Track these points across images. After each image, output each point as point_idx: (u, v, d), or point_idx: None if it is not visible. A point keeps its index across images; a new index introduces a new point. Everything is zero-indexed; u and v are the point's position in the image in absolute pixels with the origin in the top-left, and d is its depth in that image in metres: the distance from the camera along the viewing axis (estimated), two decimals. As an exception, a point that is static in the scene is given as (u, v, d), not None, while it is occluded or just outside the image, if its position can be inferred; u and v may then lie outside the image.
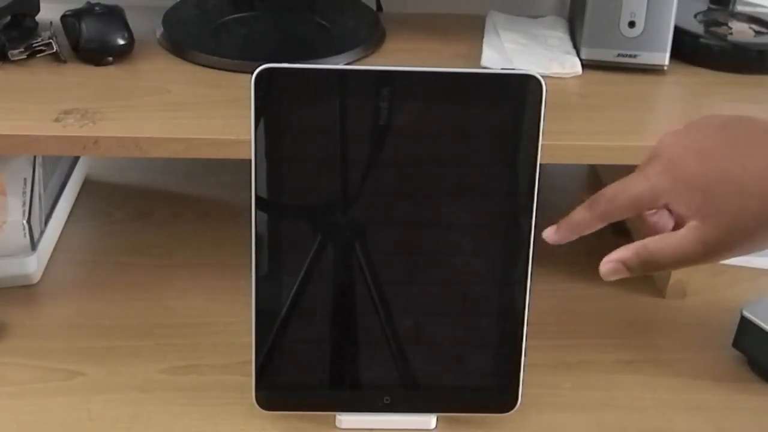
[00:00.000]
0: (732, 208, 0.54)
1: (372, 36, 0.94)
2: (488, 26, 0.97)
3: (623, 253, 0.60)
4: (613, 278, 0.61)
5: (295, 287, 0.70)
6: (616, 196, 0.60)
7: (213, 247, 0.94)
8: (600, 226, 0.62)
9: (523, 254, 0.69)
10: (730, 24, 0.97)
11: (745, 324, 0.79)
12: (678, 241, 0.57)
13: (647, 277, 0.91)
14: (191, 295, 0.87)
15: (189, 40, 0.91)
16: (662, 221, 0.61)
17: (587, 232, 0.62)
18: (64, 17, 0.89)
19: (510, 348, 0.71)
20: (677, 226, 0.58)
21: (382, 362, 0.72)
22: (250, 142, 0.67)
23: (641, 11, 0.87)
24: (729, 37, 0.94)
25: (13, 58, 0.86)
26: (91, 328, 0.82)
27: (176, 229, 0.98)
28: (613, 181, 1.11)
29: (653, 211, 0.61)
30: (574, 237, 0.63)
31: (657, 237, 0.59)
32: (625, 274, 0.60)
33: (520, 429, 0.73)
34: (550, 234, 0.64)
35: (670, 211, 0.59)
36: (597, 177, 1.09)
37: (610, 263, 0.60)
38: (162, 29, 0.93)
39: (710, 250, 0.56)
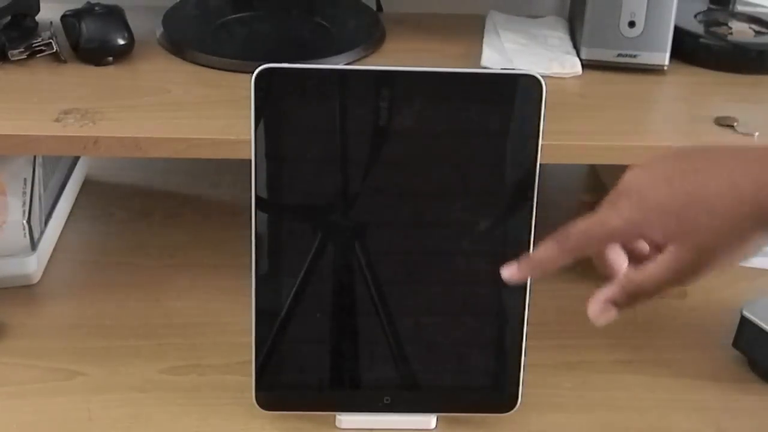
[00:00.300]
0: (704, 227, 0.56)
1: (372, 36, 0.94)
2: (488, 26, 0.97)
3: (608, 291, 0.60)
4: (602, 321, 0.61)
5: (295, 287, 0.70)
6: (589, 230, 0.61)
7: (213, 247, 0.94)
8: (568, 261, 0.62)
9: (523, 254, 0.69)
10: (730, 24, 0.97)
11: (745, 324, 0.79)
12: (660, 267, 0.58)
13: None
14: (191, 295, 0.87)
15: (189, 40, 0.91)
16: (619, 260, 0.62)
17: (553, 268, 0.62)
18: (64, 17, 0.89)
19: (510, 348, 0.71)
20: (644, 257, 0.60)
21: (382, 362, 0.72)
22: (250, 142, 0.67)
23: (641, 11, 0.87)
24: (729, 37, 0.94)
25: (13, 58, 0.86)
26: (91, 328, 0.82)
27: (176, 229, 0.98)
28: (613, 181, 1.11)
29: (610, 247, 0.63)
30: (538, 275, 0.64)
31: (638, 269, 0.60)
32: (613, 313, 0.60)
33: (520, 429, 0.73)
34: (510, 273, 0.64)
35: (628, 249, 0.61)
36: (597, 177, 1.09)
37: (597, 304, 0.60)
38: (162, 29, 0.93)
39: (691, 270, 0.57)
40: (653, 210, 0.58)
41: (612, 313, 0.60)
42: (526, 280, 0.66)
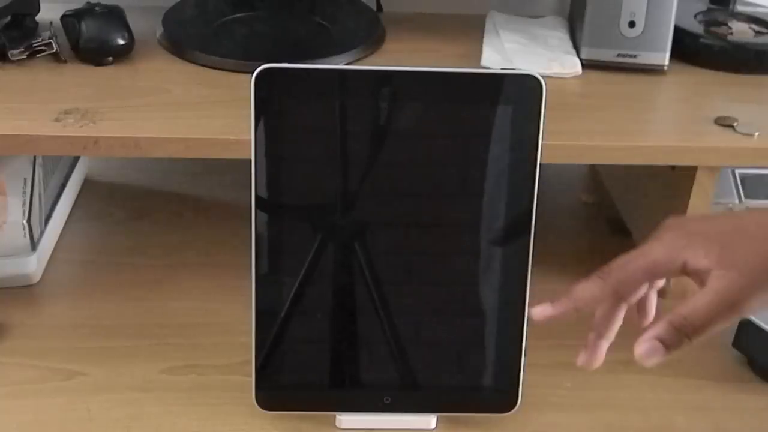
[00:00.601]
0: (749, 251, 0.56)
1: (372, 36, 0.94)
2: (488, 26, 0.97)
3: (655, 329, 0.58)
4: (652, 362, 0.58)
5: (295, 287, 0.70)
6: (631, 261, 0.60)
7: (213, 247, 0.94)
8: (609, 299, 0.61)
9: (523, 254, 0.69)
10: (730, 24, 0.97)
11: (745, 324, 0.79)
12: (706, 295, 0.57)
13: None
14: (191, 295, 0.87)
15: (189, 40, 0.91)
16: (617, 322, 0.63)
17: (594, 306, 0.61)
18: (64, 17, 0.89)
19: (510, 348, 0.71)
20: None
21: (382, 362, 0.72)
22: (250, 142, 0.67)
23: (641, 11, 0.87)
24: (729, 37, 0.94)
25: (13, 58, 0.86)
26: (91, 328, 0.82)
27: (176, 229, 0.98)
28: (613, 181, 1.12)
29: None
30: (573, 314, 0.61)
31: (684, 301, 0.58)
32: (662, 354, 0.58)
33: (520, 429, 0.73)
34: (542, 311, 0.62)
35: (686, 274, 0.59)
36: (597, 177, 1.09)
37: (645, 342, 0.58)
38: (162, 29, 0.93)
39: (739, 296, 0.56)
40: (696, 236, 0.58)
41: (660, 354, 0.58)
42: (562, 317, 0.62)
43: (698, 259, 0.57)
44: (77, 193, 1.02)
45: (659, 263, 0.59)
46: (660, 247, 0.59)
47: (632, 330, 0.86)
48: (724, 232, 0.58)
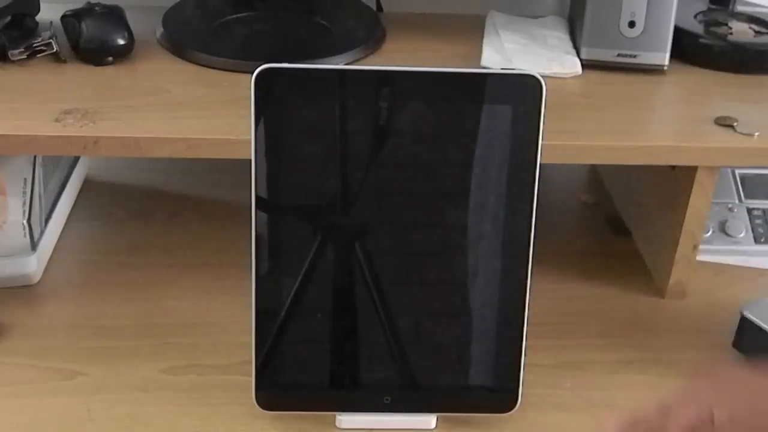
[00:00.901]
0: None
1: (372, 36, 0.94)
2: (488, 26, 0.97)
3: None
4: None
5: (295, 287, 0.70)
6: (670, 428, 0.57)
7: (213, 247, 0.94)
8: None
9: (523, 254, 0.69)
10: (730, 24, 0.97)
11: (745, 324, 0.79)
12: None
13: (647, 276, 0.91)
14: (191, 295, 0.87)
15: (189, 40, 0.91)
16: None
17: None
18: (64, 17, 0.89)
19: (510, 348, 0.71)
20: None
21: (382, 362, 0.72)
22: (250, 142, 0.67)
23: (641, 11, 0.87)
24: (729, 37, 0.94)
25: (13, 58, 0.86)
26: (91, 328, 0.82)
27: (176, 229, 0.98)
28: (613, 181, 1.11)
29: None
30: None
31: None
32: None
33: (520, 429, 0.73)
34: None
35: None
36: (597, 177, 1.09)
37: None
38: (162, 29, 0.93)
39: None
40: (723, 385, 0.57)
41: None
42: None
43: (722, 403, 0.56)
44: (77, 193, 1.02)
45: (697, 419, 0.57)
46: (690, 399, 0.58)
47: (633, 330, 0.86)
48: (750, 382, 0.57)
